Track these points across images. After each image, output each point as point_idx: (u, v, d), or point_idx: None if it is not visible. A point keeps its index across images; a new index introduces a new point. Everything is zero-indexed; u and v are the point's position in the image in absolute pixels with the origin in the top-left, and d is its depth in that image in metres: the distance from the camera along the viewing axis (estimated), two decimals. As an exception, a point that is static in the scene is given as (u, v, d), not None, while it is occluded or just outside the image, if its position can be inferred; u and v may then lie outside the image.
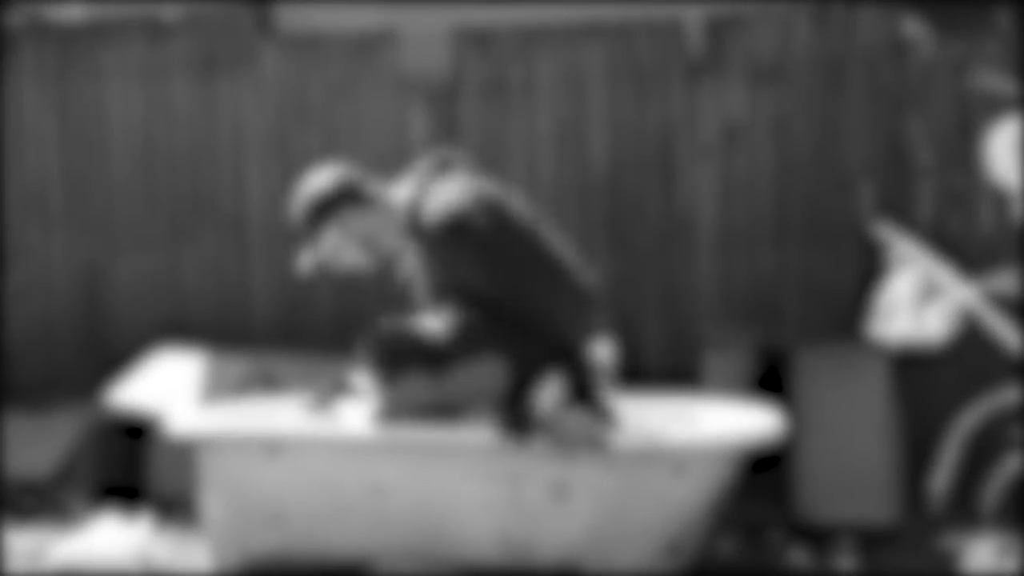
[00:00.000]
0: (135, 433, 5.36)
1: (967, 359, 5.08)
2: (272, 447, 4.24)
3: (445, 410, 4.13)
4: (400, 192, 4.17)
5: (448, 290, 4.07)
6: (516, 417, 4.01)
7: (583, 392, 4.05)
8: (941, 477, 3.80)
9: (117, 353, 5.90)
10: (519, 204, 4.10)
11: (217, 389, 5.30)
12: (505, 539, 4.08)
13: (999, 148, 3.63)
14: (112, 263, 6.05)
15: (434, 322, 4.08)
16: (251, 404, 4.76)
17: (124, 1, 5.98)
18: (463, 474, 4.08)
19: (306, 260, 4.18)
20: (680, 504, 4.07)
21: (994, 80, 5.09)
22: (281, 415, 4.51)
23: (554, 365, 4.03)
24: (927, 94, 5.46)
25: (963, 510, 4.59)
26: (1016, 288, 3.69)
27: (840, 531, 4.81)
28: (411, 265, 4.23)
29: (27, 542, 4.79)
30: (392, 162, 5.37)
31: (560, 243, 4.06)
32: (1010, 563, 4.40)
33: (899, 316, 3.63)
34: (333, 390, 4.52)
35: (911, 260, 3.65)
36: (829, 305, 5.52)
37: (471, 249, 3.99)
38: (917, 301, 3.64)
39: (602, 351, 4.16)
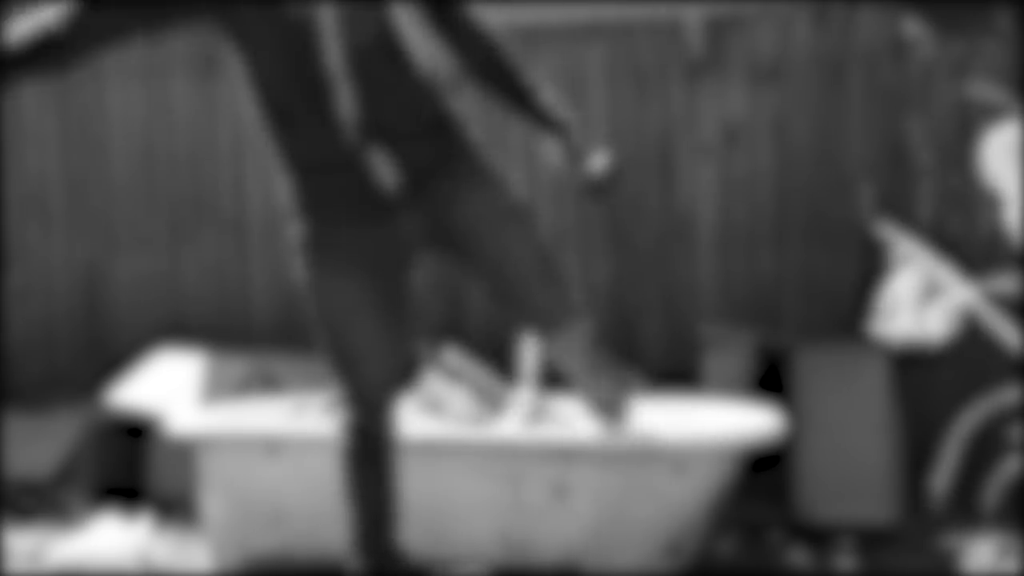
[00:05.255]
0: (135, 433, 5.36)
1: (967, 359, 5.08)
2: (272, 447, 4.25)
3: None
4: None
5: None
6: None
7: None
8: (941, 477, 3.80)
9: (117, 353, 5.90)
10: None
11: (217, 389, 5.30)
12: (505, 539, 4.08)
13: (993, 153, 3.63)
14: (112, 264, 6.05)
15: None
16: (251, 404, 4.76)
17: (124, 1, 5.98)
18: (463, 474, 4.08)
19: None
20: (680, 504, 4.07)
21: (989, 89, 5.09)
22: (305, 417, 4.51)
23: None
24: (927, 94, 5.46)
25: (963, 510, 4.59)
26: (1016, 289, 3.68)
27: (840, 531, 4.81)
28: None
29: (27, 542, 4.79)
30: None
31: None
32: (1010, 563, 4.40)
33: (900, 315, 3.63)
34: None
35: (913, 259, 3.65)
36: (829, 305, 5.52)
37: None
38: (918, 300, 3.64)
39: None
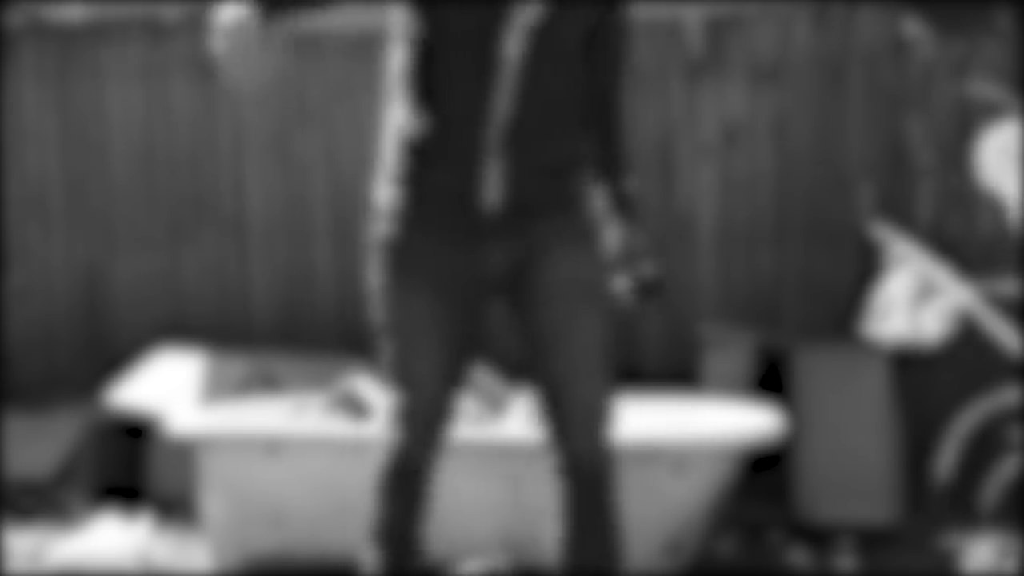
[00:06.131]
0: (135, 433, 5.36)
1: (966, 359, 5.08)
2: (272, 447, 4.25)
3: None
4: None
5: None
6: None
7: None
8: (945, 463, 3.81)
9: (117, 353, 5.90)
10: None
11: (217, 389, 5.30)
12: (505, 539, 4.08)
13: (991, 154, 3.63)
14: (112, 264, 6.05)
15: None
16: (251, 404, 4.76)
17: (124, 1, 5.98)
18: (464, 474, 4.08)
19: None
20: (680, 504, 4.07)
21: (989, 89, 5.09)
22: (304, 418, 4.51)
23: None
24: (927, 94, 5.46)
25: (963, 510, 4.59)
26: (1016, 290, 3.69)
27: (840, 531, 4.81)
28: None
29: (27, 542, 4.79)
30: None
31: None
32: (1010, 563, 4.40)
33: (894, 316, 3.62)
34: (342, 402, 4.52)
35: (908, 260, 3.64)
36: (829, 305, 5.52)
37: None
38: (913, 301, 3.63)
39: None
